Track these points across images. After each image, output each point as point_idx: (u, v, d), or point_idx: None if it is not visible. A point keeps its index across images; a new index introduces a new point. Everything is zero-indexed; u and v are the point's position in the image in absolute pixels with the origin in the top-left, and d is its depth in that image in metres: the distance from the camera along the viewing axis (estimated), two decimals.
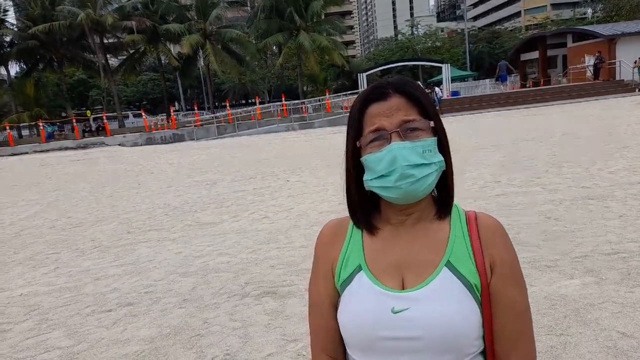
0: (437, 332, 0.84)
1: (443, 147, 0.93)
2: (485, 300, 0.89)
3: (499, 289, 0.89)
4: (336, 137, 18.07)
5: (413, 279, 0.90)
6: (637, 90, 23.32)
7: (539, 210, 5.39)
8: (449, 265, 0.89)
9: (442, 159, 0.90)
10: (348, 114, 0.98)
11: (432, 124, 0.90)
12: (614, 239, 4.26)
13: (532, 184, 6.74)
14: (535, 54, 35.56)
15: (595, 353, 2.58)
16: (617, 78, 25.99)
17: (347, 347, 0.96)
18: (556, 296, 3.27)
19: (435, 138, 0.91)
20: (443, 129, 0.94)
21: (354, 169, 0.96)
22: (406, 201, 0.90)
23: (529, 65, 37.77)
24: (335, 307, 0.97)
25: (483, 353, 0.91)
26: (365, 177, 0.92)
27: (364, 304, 0.90)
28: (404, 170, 0.85)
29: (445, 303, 0.85)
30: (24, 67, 39.05)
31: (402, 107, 0.89)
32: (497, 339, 0.90)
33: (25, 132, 39.22)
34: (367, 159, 0.91)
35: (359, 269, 0.94)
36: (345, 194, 1.01)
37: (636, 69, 23.71)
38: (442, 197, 0.96)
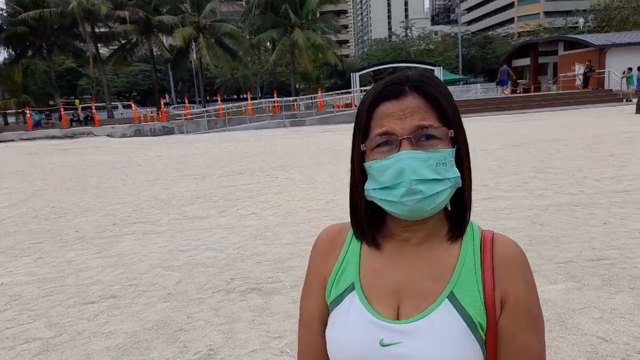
0: None
1: (462, 159, 0.80)
2: (491, 341, 0.77)
3: (508, 330, 0.77)
4: (327, 136, 18.07)
5: (409, 309, 0.79)
6: (624, 100, 23.71)
7: (525, 215, 5.44)
8: (452, 298, 0.77)
9: (459, 174, 0.78)
10: (356, 110, 0.85)
11: (452, 133, 0.77)
12: (597, 245, 4.32)
13: (519, 189, 6.80)
14: (526, 61, 36.01)
15: (575, 357, 2.61)
16: (606, 87, 26.42)
17: None
18: (540, 300, 3.29)
19: (454, 149, 0.78)
20: (464, 139, 0.81)
21: (359, 175, 0.83)
22: (411, 218, 0.78)
23: (520, 72, 38.15)
24: (326, 325, 0.88)
25: None
26: (367, 185, 0.80)
27: (351, 332, 0.80)
28: (411, 186, 0.73)
29: (441, 343, 0.74)
30: (13, 53, 38.39)
31: (419, 110, 0.76)
32: None
33: (11, 120, 38.63)
34: (370, 166, 0.78)
35: (351, 288, 0.84)
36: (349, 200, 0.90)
37: (624, 80, 24.08)
38: (457, 215, 0.83)
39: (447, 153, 0.76)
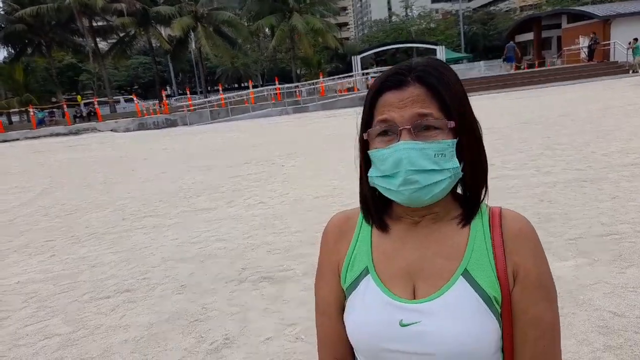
0: (449, 351, 0.76)
1: (470, 147, 0.81)
2: (507, 313, 0.79)
3: (521, 302, 0.79)
4: (330, 121, 18.00)
5: (425, 289, 0.80)
6: (631, 71, 23.34)
7: (533, 193, 5.43)
8: (466, 275, 0.79)
9: (458, 165, 0.78)
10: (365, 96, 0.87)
11: (451, 124, 0.77)
12: (606, 220, 4.31)
13: (526, 167, 6.77)
14: (529, 36, 35.41)
15: (587, 332, 2.63)
16: (612, 59, 25.99)
17: (355, 352, 0.90)
18: None
19: (454, 140, 0.78)
20: (472, 128, 0.81)
21: (362, 162, 0.86)
22: (411, 205, 0.81)
23: (523, 47, 37.61)
24: (343, 310, 0.89)
25: None
26: (370, 172, 0.83)
27: (369, 314, 0.82)
28: (407, 176, 0.76)
29: (459, 319, 0.76)
30: (12, 51, 38.35)
31: (420, 99, 0.77)
32: (518, 354, 0.81)
33: (15, 119, 38.75)
34: (372, 154, 0.81)
35: (366, 272, 0.85)
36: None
37: (630, 50, 23.68)
38: (469, 200, 0.84)
39: (447, 144, 0.77)
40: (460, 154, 0.80)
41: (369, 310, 0.82)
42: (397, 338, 0.79)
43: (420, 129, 0.77)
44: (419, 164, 0.75)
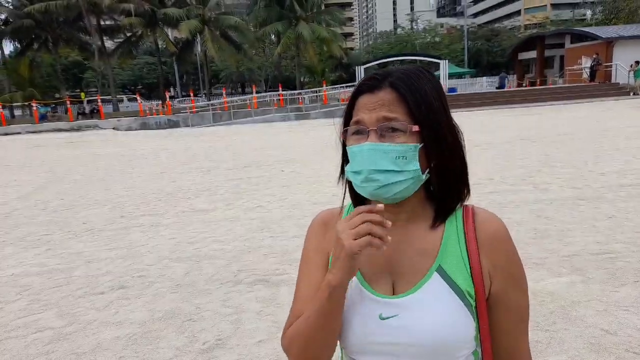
0: (426, 341, 0.82)
1: (439, 153, 0.84)
2: (481, 306, 0.86)
3: (503, 296, 0.87)
4: (332, 129, 17.97)
5: (403, 285, 0.87)
6: (631, 93, 23.51)
7: (530, 209, 5.46)
8: (440, 271, 0.85)
9: (418, 168, 0.82)
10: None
11: (415, 128, 0.81)
12: (602, 239, 4.33)
13: (525, 183, 6.81)
14: (533, 54, 35.68)
15: (578, 349, 2.65)
16: (613, 81, 26.18)
17: (342, 348, 0.94)
18: (544, 293, 3.33)
19: (417, 145, 0.82)
20: (442, 135, 0.84)
21: (343, 156, 0.93)
22: (374, 199, 0.86)
23: (526, 65, 37.88)
24: None
25: (475, 352, 0.89)
26: (347, 167, 0.89)
27: (352, 309, 0.88)
28: (369, 174, 0.81)
29: (433, 311, 0.83)
30: (18, 46, 38.51)
31: (389, 103, 0.82)
32: (500, 340, 0.89)
33: (17, 112, 38.83)
34: (348, 150, 0.87)
35: None
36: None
37: (632, 73, 23.86)
38: (441, 203, 0.90)
39: (409, 147, 0.81)
40: (428, 158, 0.84)
41: (352, 305, 0.88)
42: (378, 330, 0.86)
43: (385, 130, 0.82)
44: (380, 164, 0.81)
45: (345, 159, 0.92)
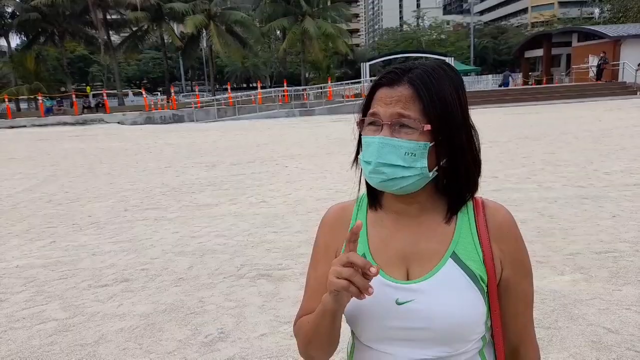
0: (441, 324, 0.85)
1: (450, 152, 0.85)
2: (493, 291, 0.89)
3: (512, 282, 0.91)
4: (336, 125, 18.05)
5: (418, 270, 0.89)
6: (638, 92, 23.33)
7: (534, 207, 5.44)
8: (454, 257, 0.88)
9: (426, 166, 0.84)
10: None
11: (427, 127, 0.82)
12: (605, 238, 4.32)
13: (528, 181, 6.79)
14: (539, 52, 35.46)
15: (580, 347, 2.65)
16: (620, 80, 25.98)
17: (357, 335, 0.95)
18: (546, 291, 3.33)
19: (427, 143, 0.83)
20: (456, 134, 0.85)
21: (357, 145, 0.94)
22: (381, 190, 0.89)
23: (532, 63, 37.66)
24: None
25: (484, 337, 0.92)
26: (360, 155, 0.90)
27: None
28: (376, 167, 0.84)
29: (449, 295, 0.85)
30: (25, 39, 38.64)
31: (405, 100, 0.83)
32: (509, 326, 0.93)
33: (23, 106, 39.00)
34: (362, 139, 0.89)
35: (363, 257, 0.87)
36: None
37: (639, 72, 23.68)
38: (451, 198, 0.91)
39: (419, 145, 0.83)
40: (438, 157, 0.85)
41: None
42: (394, 315, 0.87)
43: (398, 126, 0.83)
44: (388, 158, 0.83)
45: (359, 147, 0.94)
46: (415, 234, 0.91)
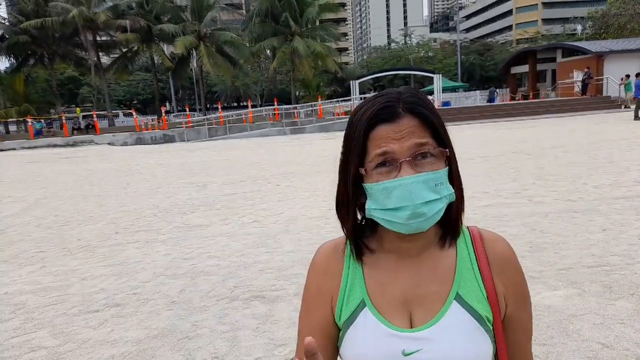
0: None
1: (457, 173, 0.85)
2: (498, 328, 0.86)
3: (515, 315, 0.89)
4: (327, 143, 18.14)
5: (422, 316, 0.84)
6: (623, 106, 23.81)
7: (525, 222, 5.48)
8: (459, 299, 0.83)
9: (452, 191, 0.81)
10: (346, 129, 0.85)
11: (447, 152, 0.81)
12: (597, 252, 4.35)
13: (519, 196, 6.84)
14: (525, 68, 36.18)
15: None
16: (604, 94, 26.55)
17: None
18: (540, 307, 3.33)
19: (447, 168, 0.81)
20: (454, 154, 0.84)
21: (353, 195, 0.85)
22: (413, 233, 0.82)
23: (519, 79, 38.34)
24: (329, 340, 0.90)
25: None
26: (369, 205, 0.82)
27: (372, 347, 0.83)
28: (416, 209, 0.76)
29: (456, 341, 0.81)
30: (14, 62, 38.60)
31: (416, 130, 0.78)
32: (512, 358, 0.90)
33: (12, 128, 38.72)
34: (372, 187, 0.80)
35: (362, 305, 0.86)
36: (339, 218, 0.89)
37: (622, 86, 24.20)
38: (448, 224, 0.87)
39: (443, 172, 0.80)
40: (451, 180, 0.83)
41: (371, 343, 0.83)
42: None
43: (418, 157, 0.78)
44: (425, 196, 0.77)
45: (356, 196, 0.85)
46: (416, 275, 0.86)
